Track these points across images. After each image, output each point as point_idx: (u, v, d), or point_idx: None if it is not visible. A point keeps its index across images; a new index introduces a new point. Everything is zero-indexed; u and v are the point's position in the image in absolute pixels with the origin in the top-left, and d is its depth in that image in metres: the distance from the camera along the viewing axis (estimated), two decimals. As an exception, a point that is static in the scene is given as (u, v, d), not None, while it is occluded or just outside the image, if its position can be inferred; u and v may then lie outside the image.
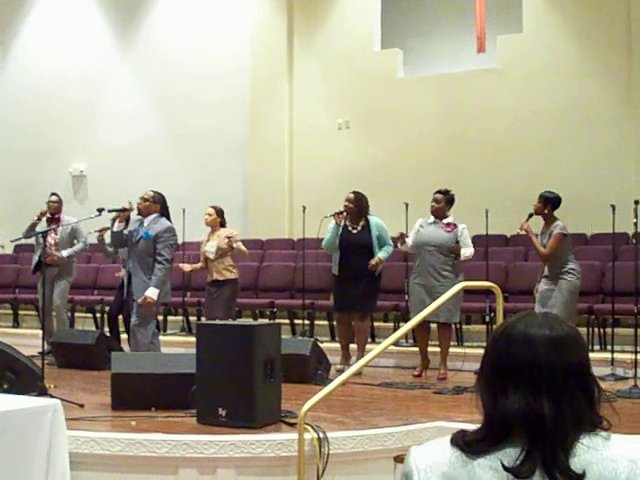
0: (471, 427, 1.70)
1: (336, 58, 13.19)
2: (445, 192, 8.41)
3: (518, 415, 1.61)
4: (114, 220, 8.13)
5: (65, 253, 9.69)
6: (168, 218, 8.00)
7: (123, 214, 7.89)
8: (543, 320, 1.71)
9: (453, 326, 9.93)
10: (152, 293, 7.61)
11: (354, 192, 8.68)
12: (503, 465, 1.58)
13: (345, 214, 8.54)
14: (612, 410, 1.68)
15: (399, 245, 8.46)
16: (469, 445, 1.63)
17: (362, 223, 8.54)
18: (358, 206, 8.56)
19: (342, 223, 8.53)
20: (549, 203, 8.02)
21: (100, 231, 9.19)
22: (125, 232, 7.88)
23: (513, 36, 12.20)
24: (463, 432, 1.67)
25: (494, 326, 8.55)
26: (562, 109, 11.67)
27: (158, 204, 7.96)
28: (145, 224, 7.85)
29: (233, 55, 13.95)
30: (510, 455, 1.61)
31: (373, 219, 8.57)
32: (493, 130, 12.05)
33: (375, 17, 13.23)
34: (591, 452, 1.61)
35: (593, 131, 11.54)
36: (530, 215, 8.06)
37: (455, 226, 8.25)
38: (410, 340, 9.30)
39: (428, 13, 13.59)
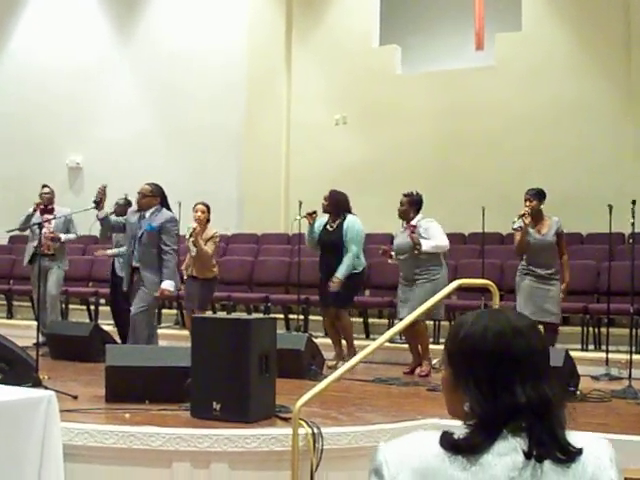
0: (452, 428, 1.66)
1: (334, 54, 13.17)
2: (409, 194, 8.23)
3: (530, 404, 1.61)
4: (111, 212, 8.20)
5: (63, 237, 9.82)
6: (168, 208, 7.98)
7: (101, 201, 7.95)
8: (509, 311, 1.75)
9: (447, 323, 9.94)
10: (168, 285, 7.64)
11: (331, 190, 8.70)
12: (524, 452, 1.58)
13: (315, 215, 8.54)
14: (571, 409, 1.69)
15: (389, 262, 8.38)
16: (473, 447, 1.60)
17: (338, 222, 8.56)
18: (332, 204, 8.56)
19: (314, 222, 8.56)
20: (542, 197, 8.02)
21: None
22: (112, 217, 8.03)
23: (512, 34, 12.20)
24: (450, 434, 1.63)
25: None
26: (560, 107, 11.67)
27: (157, 197, 7.92)
28: (146, 217, 7.81)
29: (230, 49, 13.93)
30: (518, 444, 1.59)
31: (349, 218, 8.56)
32: (490, 128, 12.04)
33: (374, 13, 13.23)
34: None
35: (591, 130, 11.54)
36: (521, 216, 7.92)
37: (414, 227, 7.98)
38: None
39: (427, 10, 13.57)
